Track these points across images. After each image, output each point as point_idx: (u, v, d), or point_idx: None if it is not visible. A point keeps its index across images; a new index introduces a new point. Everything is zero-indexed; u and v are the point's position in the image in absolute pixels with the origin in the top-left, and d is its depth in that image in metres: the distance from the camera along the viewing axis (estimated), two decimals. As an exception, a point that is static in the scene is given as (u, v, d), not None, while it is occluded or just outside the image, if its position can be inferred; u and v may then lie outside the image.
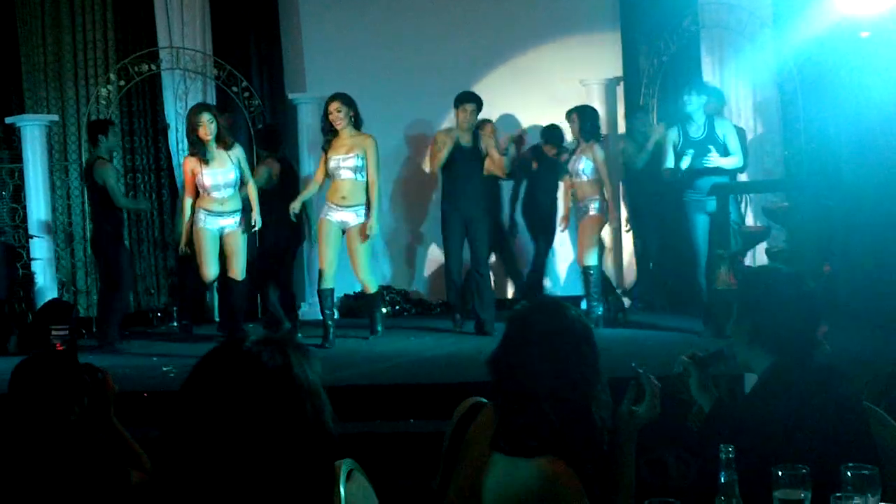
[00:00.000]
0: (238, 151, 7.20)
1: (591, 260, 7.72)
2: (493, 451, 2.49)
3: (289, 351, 1.90)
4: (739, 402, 2.81)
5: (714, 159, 7.24)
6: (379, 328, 7.60)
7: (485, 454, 2.52)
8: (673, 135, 7.44)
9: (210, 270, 7.17)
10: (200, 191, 7.11)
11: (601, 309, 7.72)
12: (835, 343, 5.60)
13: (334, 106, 7.18)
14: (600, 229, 7.95)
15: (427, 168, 8.39)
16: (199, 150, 7.01)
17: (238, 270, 7.21)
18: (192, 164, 7.10)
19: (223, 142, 7.08)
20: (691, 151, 7.29)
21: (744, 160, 7.45)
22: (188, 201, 7.17)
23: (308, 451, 1.88)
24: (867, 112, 7.57)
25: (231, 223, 7.15)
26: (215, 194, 7.06)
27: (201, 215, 7.11)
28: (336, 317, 7.65)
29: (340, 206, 7.22)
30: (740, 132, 7.76)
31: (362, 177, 7.22)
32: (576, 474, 2.40)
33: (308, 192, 7.59)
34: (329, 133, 7.26)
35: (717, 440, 2.39)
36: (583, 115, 7.87)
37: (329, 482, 1.98)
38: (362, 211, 7.23)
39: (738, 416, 2.79)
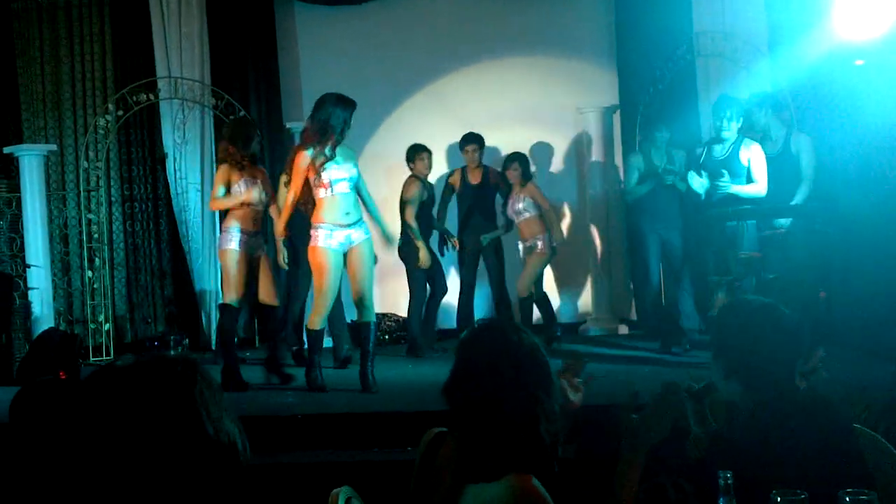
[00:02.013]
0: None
1: (528, 291, 8.30)
2: (459, 481, 2.49)
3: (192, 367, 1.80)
4: (730, 430, 2.79)
5: (726, 183, 7.03)
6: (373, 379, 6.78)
7: (453, 485, 2.51)
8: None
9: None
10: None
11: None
12: (832, 369, 5.60)
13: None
14: (545, 264, 8.45)
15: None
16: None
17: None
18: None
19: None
20: (705, 173, 7.13)
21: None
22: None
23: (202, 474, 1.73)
24: (863, 138, 7.60)
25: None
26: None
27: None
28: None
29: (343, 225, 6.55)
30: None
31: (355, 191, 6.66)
32: (543, 488, 2.40)
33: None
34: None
35: (714, 469, 2.39)
36: (523, 162, 8.37)
37: None
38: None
39: (730, 444, 2.79)
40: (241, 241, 7.01)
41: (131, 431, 1.70)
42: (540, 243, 8.23)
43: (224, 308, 7.20)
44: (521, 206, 8.26)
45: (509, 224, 8.55)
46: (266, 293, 7.18)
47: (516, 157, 8.38)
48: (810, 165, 7.09)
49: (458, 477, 2.49)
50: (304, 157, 6.46)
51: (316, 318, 6.64)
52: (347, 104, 6.53)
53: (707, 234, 7.29)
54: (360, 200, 6.64)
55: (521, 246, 8.39)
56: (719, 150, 7.16)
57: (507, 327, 2.67)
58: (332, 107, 6.48)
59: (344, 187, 6.49)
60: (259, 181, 7.09)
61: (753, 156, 7.08)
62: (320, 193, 6.47)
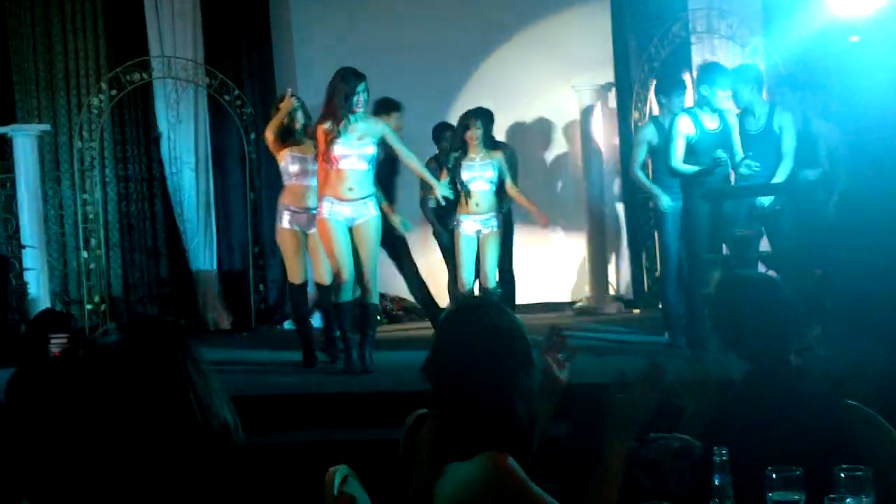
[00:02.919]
0: None
1: (495, 281, 7.32)
2: (437, 460, 2.50)
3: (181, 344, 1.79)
4: (723, 406, 2.81)
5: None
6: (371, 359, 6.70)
7: (432, 465, 2.52)
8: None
9: None
10: None
11: None
12: (827, 347, 5.63)
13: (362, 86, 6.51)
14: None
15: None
16: None
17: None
18: None
19: None
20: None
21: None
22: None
23: (193, 450, 1.73)
24: (858, 115, 7.59)
25: None
26: None
27: None
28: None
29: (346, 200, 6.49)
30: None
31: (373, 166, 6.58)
32: (520, 467, 2.42)
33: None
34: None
35: (710, 444, 2.40)
36: (487, 120, 7.37)
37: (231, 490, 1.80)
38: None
39: (723, 420, 2.81)
40: (289, 218, 7.00)
41: (119, 412, 1.70)
42: (497, 221, 7.28)
43: (290, 287, 7.29)
44: (488, 174, 7.22)
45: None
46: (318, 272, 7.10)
47: (480, 114, 7.35)
48: (791, 143, 6.92)
49: (436, 456, 2.50)
50: (320, 132, 6.47)
51: (340, 291, 6.53)
52: (349, 78, 6.45)
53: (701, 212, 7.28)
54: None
55: (473, 222, 7.29)
56: (752, 124, 6.79)
57: (487, 306, 2.68)
58: (338, 82, 6.45)
59: (350, 163, 6.43)
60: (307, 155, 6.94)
61: (785, 124, 6.79)
62: (326, 167, 6.46)
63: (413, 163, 6.79)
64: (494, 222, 7.26)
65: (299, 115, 7.03)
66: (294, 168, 6.99)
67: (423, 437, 2.66)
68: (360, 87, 6.44)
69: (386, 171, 7.50)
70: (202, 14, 9.35)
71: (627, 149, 9.06)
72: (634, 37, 9.26)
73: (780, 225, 7.01)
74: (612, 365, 5.97)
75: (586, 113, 9.36)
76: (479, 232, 7.25)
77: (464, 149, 7.26)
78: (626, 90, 9.21)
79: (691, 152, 6.65)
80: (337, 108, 6.40)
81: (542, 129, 9.75)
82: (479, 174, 7.23)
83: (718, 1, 8.70)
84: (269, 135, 6.99)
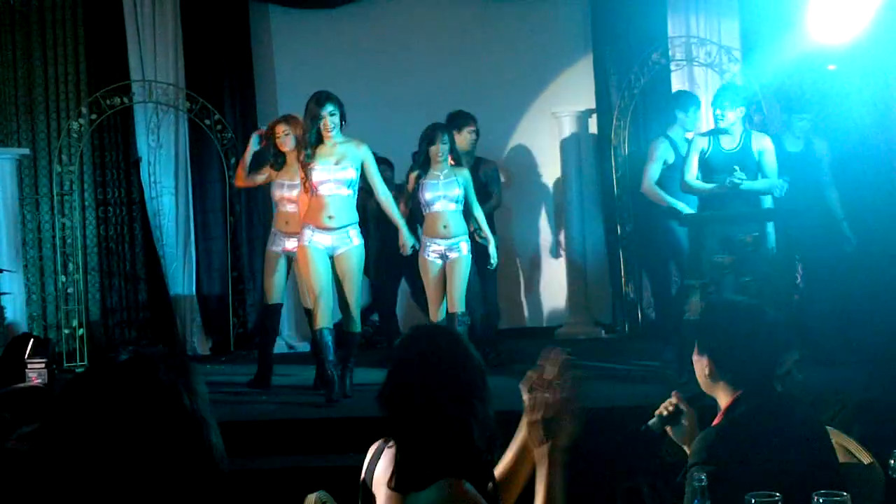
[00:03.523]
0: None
1: (463, 307, 6.86)
2: (394, 491, 2.48)
3: (183, 368, 1.81)
4: (709, 433, 2.80)
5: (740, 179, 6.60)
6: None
7: (389, 498, 2.50)
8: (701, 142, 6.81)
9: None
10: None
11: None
12: (805, 371, 5.65)
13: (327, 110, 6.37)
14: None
15: None
16: None
17: None
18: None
19: None
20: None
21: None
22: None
23: (187, 475, 1.73)
24: (837, 140, 7.66)
25: None
26: None
27: None
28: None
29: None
30: None
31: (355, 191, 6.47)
32: (478, 493, 2.40)
33: None
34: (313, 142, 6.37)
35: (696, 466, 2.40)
36: (452, 137, 7.04)
37: None
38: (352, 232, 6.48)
39: (711, 445, 2.80)
40: (275, 241, 7.07)
41: (116, 435, 1.69)
42: (466, 244, 6.90)
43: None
44: (454, 192, 6.81)
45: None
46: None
47: (445, 128, 7.02)
48: (773, 166, 6.92)
49: (395, 486, 2.47)
50: (298, 158, 6.50)
51: (317, 317, 6.40)
52: (316, 101, 6.38)
53: (680, 238, 7.33)
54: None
55: (439, 246, 6.85)
56: (728, 143, 6.74)
57: (440, 333, 2.67)
58: (309, 105, 6.42)
59: (328, 189, 6.34)
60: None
61: (765, 148, 6.76)
62: (308, 195, 6.43)
63: (386, 201, 6.60)
64: (465, 245, 6.84)
65: (290, 141, 6.97)
66: (277, 194, 7.00)
67: (383, 466, 2.62)
68: (327, 110, 6.33)
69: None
70: (183, 38, 9.33)
71: (608, 174, 9.11)
72: (615, 64, 9.30)
73: (761, 249, 7.04)
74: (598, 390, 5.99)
75: (567, 139, 9.38)
76: (444, 257, 6.83)
77: (426, 166, 6.86)
78: (606, 117, 9.25)
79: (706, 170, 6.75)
80: (305, 133, 6.37)
81: (521, 155, 9.77)
82: (444, 193, 6.79)
83: (697, 28, 8.78)
84: (238, 181, 7.21)
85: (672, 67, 8.88)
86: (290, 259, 6.99)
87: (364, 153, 6.47)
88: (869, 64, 7.62)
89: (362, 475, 2.70)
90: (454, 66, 9.66)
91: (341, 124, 6.43)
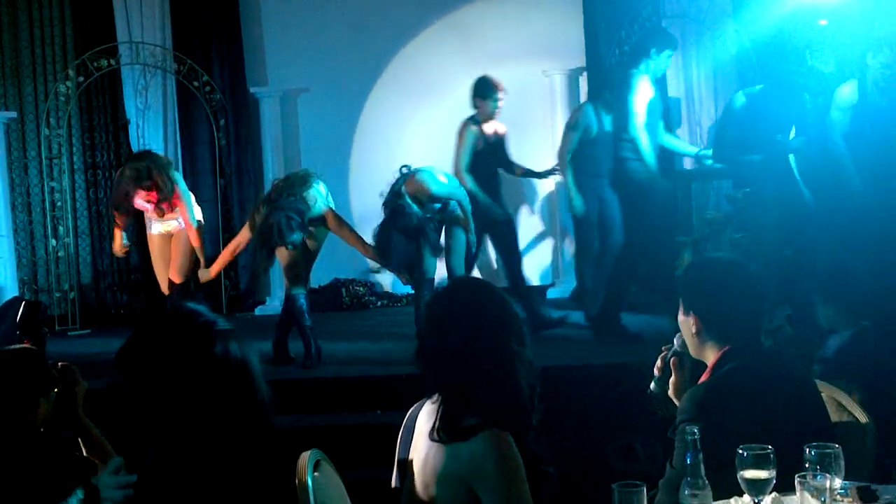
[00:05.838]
0: None
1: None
2: (435, 442, 2.49)
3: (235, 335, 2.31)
4: (697, 390, 2.80)
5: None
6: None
7: (430, 448, 2.51)
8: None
9: None
10: None
11: None
12: (796, 327, 5.67)
13: None
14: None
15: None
16: None
17: None
18: None
19: None
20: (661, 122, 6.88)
21: None
22: None
23: (241, 427, 2.24)
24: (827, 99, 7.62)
25: None
26: None
27: None
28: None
29: None
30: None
31: None
32: (516, 447, 2.42)
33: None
34: None
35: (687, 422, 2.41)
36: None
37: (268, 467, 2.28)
38: None
39: (700, 401, 2.82)
40: None
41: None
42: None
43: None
44: None
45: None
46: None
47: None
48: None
49: (431, 437, 2.48)
50: None
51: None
52: None
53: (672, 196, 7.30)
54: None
55: None
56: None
57: (474, 282, 2.68)
58: None
59: None
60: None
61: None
62: None
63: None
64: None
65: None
66: None
67: (423, 422, 2.64)
68: None
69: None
70: (170, -1, 9.26)
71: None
72: (605, 21, 9.24)
73: (752, 206, 7.04)
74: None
75: (557, 98, 9.33)
76: None
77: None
78: (597, 75, 9.19)
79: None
80: None
81: (511, 114, 9.71)
82: None
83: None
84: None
85: (663, 24, 8.82)
86: None
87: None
88: (860, 18, 7.57)
89: (396, 453, 2.71)
90: (441, 25, 9.58)
91: None
